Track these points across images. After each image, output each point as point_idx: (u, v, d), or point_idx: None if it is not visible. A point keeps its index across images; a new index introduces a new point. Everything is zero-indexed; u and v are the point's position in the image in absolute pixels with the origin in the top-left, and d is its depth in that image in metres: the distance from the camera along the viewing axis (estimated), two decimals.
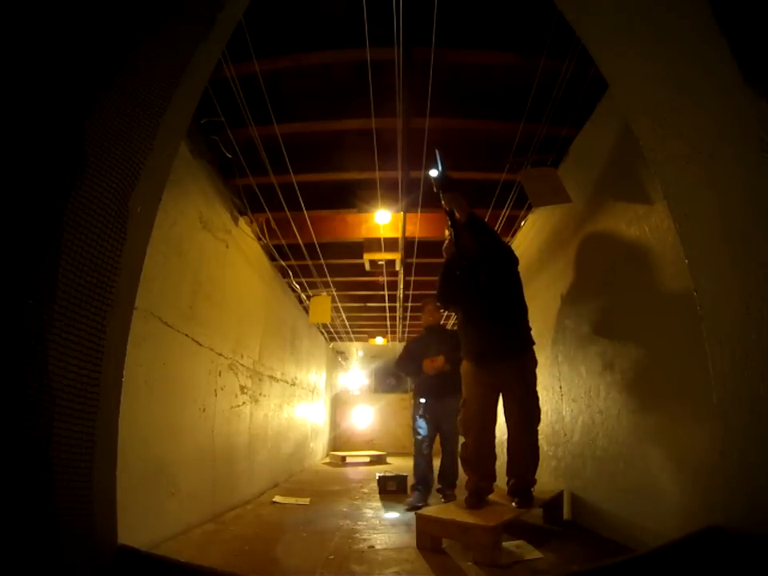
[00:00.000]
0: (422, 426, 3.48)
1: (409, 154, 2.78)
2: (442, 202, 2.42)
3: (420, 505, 3.15)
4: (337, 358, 9.55)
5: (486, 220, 2.59)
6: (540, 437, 2.69)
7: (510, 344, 2.39)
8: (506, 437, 2.46)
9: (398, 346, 7.00)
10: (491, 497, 2.41)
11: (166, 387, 2.32)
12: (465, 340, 2.56)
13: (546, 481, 2.96)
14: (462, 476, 2.48)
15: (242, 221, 3.61)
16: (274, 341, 4.73)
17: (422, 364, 3.42)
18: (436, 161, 2.33)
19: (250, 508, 3.32)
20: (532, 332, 2.53)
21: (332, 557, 2.09)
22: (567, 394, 2.85)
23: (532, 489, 2.43)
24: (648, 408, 1.99)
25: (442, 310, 3.99)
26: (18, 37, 0.80)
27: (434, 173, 2.36)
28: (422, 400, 3.49)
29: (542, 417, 2.50)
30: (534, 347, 2.49)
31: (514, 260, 2.54)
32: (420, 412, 3.49)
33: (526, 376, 2.41)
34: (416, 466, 3.50)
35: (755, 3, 0.85)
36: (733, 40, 0.86)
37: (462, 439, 2.52)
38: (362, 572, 1.92)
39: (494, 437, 2.45)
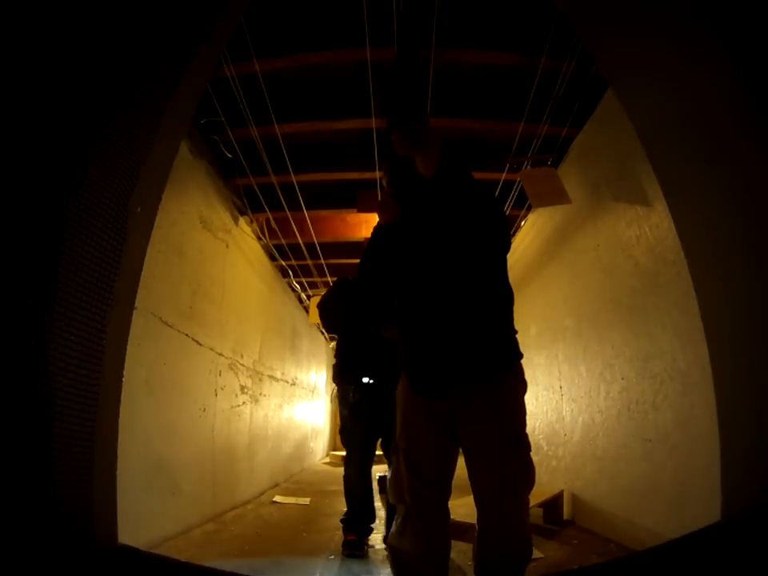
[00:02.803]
0: (355, 423, 2.22)
1: None
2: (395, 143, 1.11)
3: (359, 553, 2.08)
4: None
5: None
6: (540, 437, 2.65)
7: (478, 357, 1.21)
8: None
9: None
10: None
11: (166, 387, 2.32)
12: (402, 348, 1.36)
13: (545, 480, 2.96)
14: None
15: (242, 220, 3.61)
16: (274, 340, 4.73)
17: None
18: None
19: (250, 508, 3.32)
20: (518, 335, 1.33)
21: (332, 557, 2.10)
22: (567, 394, 2.85)
23: None
24: (648, 408, 2.00)
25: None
26: (19, 39, 0.80)
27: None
28: (366, 380, 2.18)
29: (541, 418, 2.26)
30: (533, 348, 1.95)
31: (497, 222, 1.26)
32: (351, 399, 2.19)
33: (504, 412, 1.21)
34: (347, 490, 2.26)
35: (754, 11, 0.85)
36: (732, 44, 0.87)
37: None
38: (362, 572, 1.92)
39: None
